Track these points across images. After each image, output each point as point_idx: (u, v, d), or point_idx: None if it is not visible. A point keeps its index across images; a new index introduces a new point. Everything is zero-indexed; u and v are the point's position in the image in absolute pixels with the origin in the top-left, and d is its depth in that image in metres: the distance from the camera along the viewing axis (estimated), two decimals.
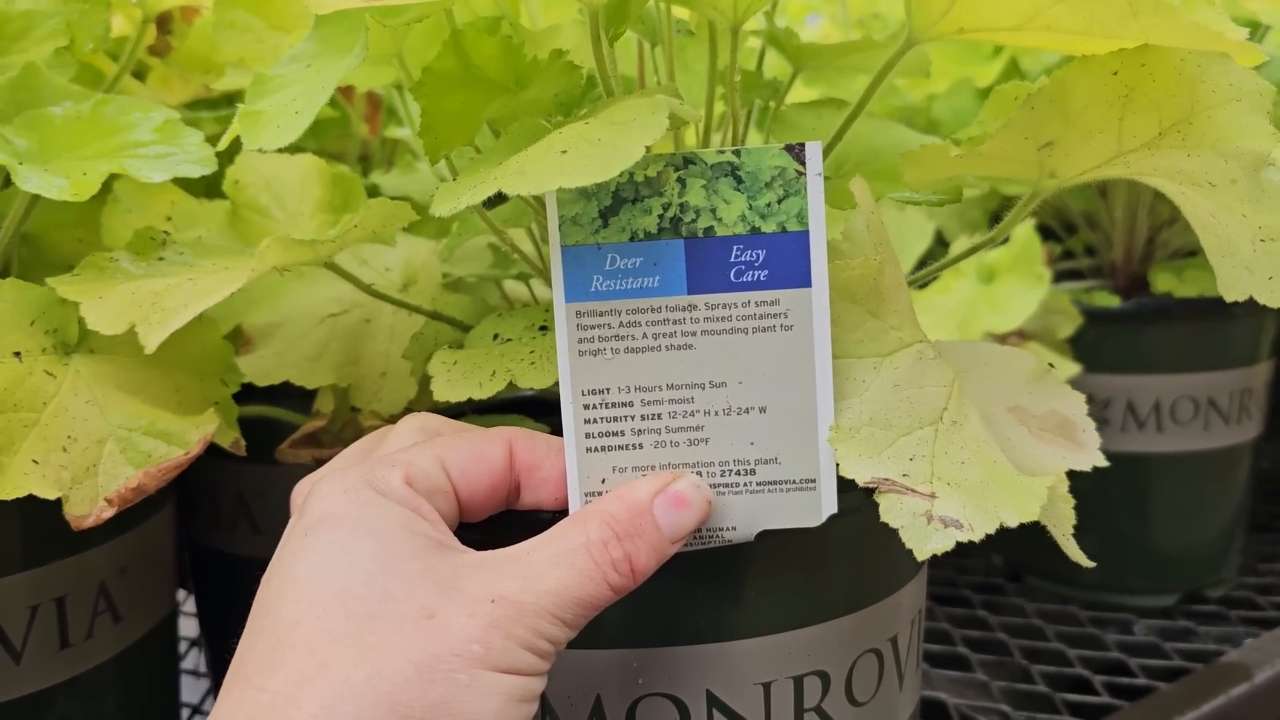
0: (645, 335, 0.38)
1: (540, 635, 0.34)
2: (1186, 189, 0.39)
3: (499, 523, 0.40)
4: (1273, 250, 0.37)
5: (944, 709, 0.72)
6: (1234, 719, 0.70)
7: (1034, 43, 0.38)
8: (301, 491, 0.39)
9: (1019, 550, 0.91)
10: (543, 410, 0.53)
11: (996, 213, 0.88)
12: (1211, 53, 0.36)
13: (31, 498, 0.42)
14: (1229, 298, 0.39)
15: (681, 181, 0.37)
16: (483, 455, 0.38)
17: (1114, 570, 0.86)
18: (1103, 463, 0.41)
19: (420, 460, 0.37)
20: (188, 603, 0.84)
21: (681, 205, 0.37)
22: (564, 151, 0.33)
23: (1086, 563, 0.39)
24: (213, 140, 0.48)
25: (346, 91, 0.73)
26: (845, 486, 0.38)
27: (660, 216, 0.37)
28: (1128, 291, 0.84)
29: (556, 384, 0.50)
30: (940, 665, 0.78)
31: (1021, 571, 0.91)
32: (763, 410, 0.38)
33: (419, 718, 0.31)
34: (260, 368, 0.52)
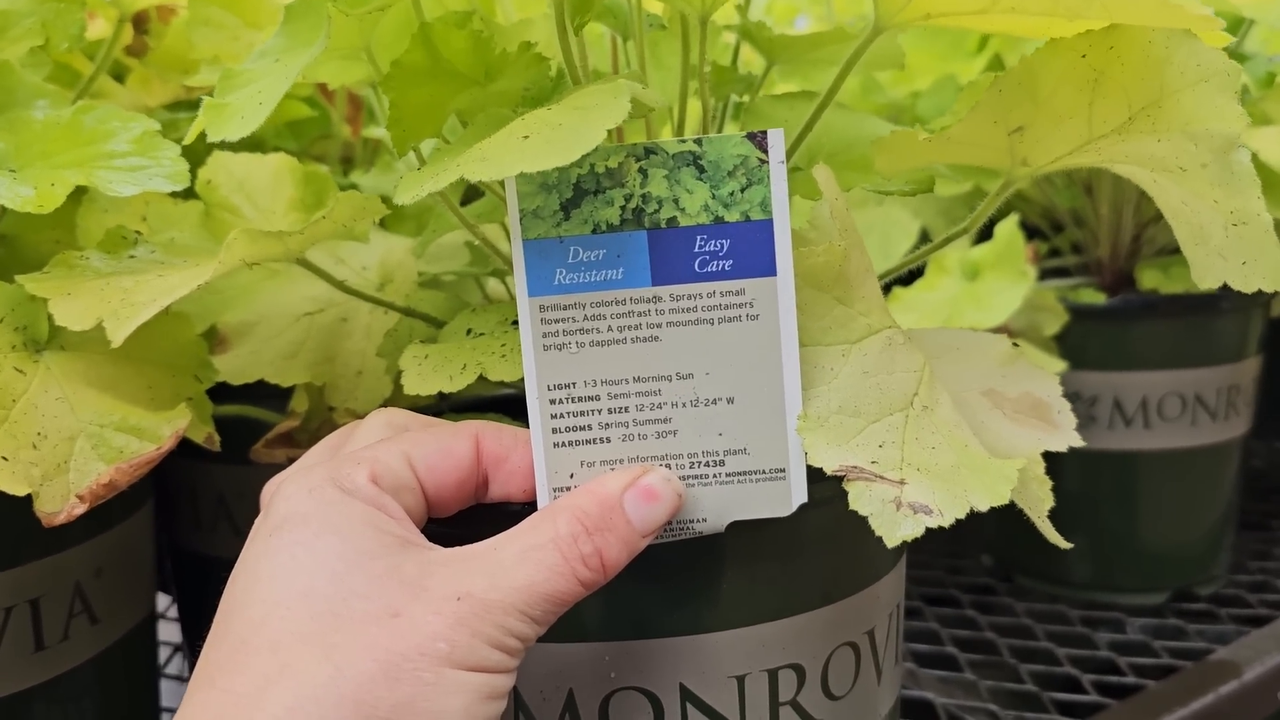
0: (610, 328, 0.38)
1: (508, 632, 0.33)
2: (1158, 176, 0.38)
3: (469, 516, 0.39)
4: (1244, 235, 0.37)
5: (931, 708, 0.72)
6: (1223, 717, 0.70)
7: (1000, 27, 0.38)
8: (270, 490, 0.39)
9: (1010, 550, 0.91)
10: (519, 408, 0.52)
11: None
12: (1179, 34, 0.36)
13: (4, 499, 0.42)
14: (1203, 285, 0.39)
15: (643, 172, 0.37)
16: (449, 450, 0.38)
17: (1103, 569, 0.86)
18: (1078, 442, 0.41)
19: (386, 457, 0.37)
20: (171, 609, 0.84)
21: (644, 196, 0.37)
22: (525, 137, 0.33)
23: (1063, 544, 0.39)
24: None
25: (327, 93, 0.73)
26: (819, 478, 0.38)
27: (622, 208, 0.37)
28: (1114, 288, 0.84)
29: None
30: (928, 665, 0.78)
31: (1012, 572, 0.91)
32: (730, 401, 0.38)
33: (384, 717, 0.31)
34: (235, 366, 0.52)
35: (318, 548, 0.34)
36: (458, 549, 0.35)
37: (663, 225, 0.37)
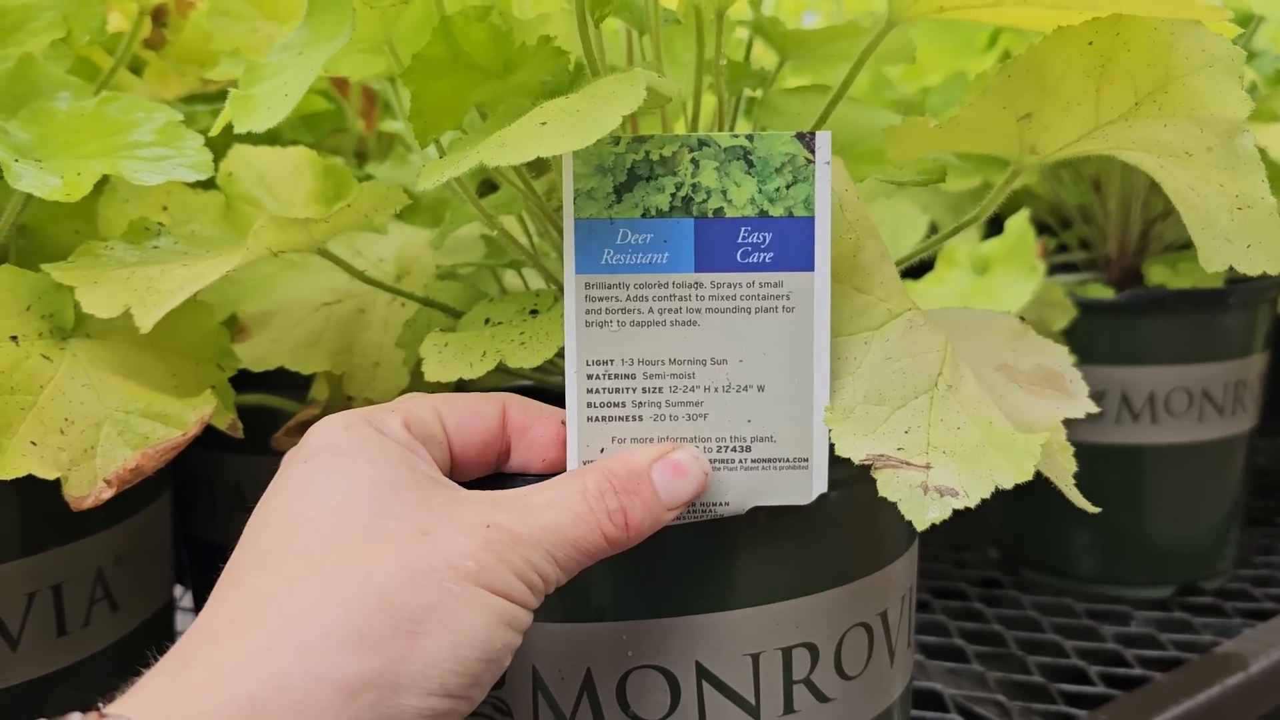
0: (651, 310, 0.39)
1: (532, 567, 0.34)
2: (1165, 161, 0.39)
3: (488, 485, 0.40)
4: (1250, 218, 0.38)
5: (939, 698, 0.72)
6: (1229, 709, 0.70)
7: (1013, 20, 0.38)
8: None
9: (1016, 544, 0.91)
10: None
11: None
12: (1185, 20, 0.36)
13: (29, 484, 0.43)
14: (1209, 268, 0.39)
15: (695, 162, 0.38)
16: (478, 411, 0.39)
17: (1109, 563, 0.86)
18: (1094, 409, 0.42)
19: (417, 409, 0.39)
20: (184, 598, 0.84)
21: (694, 185, 0.39)
22: (543, 123, 0.34)
23: (1091, 509, 0.39)
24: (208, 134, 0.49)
25: (342, 86, 0.74)
26: (836, 459, 0.39)
27: (673, 195, 0.39)
28: (1122, 284, 0.84)
29: (549, 372, 0.50)
30: (936, 656, 0.78)
31: (1018, 566, 0.91)
32: (761, 389, 0.39)
33: (409, 617, 0.32)
34: (255, 354, 0.53)
35: (353, 472, 0.35)
36: (487, 491, 0.36)
37: (709, 215, 0.39)
